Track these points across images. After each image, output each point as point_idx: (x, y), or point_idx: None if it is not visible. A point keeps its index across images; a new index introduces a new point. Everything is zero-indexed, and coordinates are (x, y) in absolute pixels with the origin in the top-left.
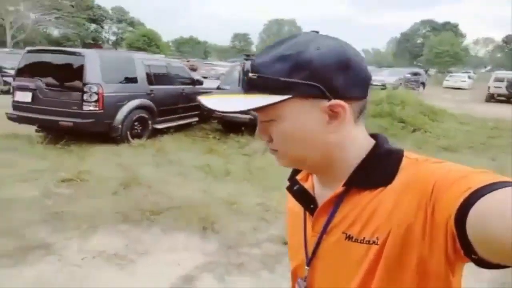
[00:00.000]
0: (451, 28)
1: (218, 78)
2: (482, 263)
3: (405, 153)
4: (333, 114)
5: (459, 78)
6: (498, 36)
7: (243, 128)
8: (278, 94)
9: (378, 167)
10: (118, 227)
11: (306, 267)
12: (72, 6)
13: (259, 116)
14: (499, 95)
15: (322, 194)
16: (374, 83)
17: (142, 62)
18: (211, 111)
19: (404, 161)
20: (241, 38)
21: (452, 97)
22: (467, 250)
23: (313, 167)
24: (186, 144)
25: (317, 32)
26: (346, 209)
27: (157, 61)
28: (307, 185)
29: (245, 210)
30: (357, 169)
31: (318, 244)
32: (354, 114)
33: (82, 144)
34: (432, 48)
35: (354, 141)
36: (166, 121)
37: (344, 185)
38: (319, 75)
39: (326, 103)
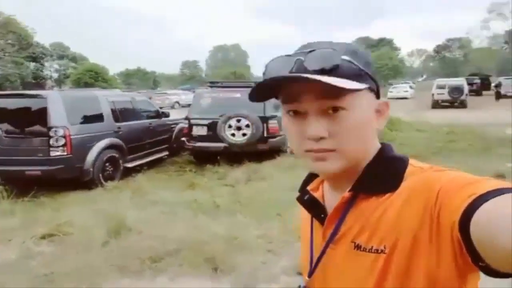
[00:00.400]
0: (387, 43)
1: (172, 107)
2: (491, 272)
3: (410, 161)
4: (378, 112)
5: (402, 88)
6: (430, 47)
7: (218, 157)
8: (359, 82)
9: (385, 173)
10: (120, 282)
11: (306, 277)
12: (12, 45)
13: (326, 104)
14: (443, 101)
15: (331, 201)
16: None
17: (107, 99)
18: (336, 89)
19: (409, 169)
20: (191, 65)
21: (400, 106)
22: (474, 257)
23: (358, 167)
24: (162, 181)
25: None
26: (353, 217)
27: (121, 97)
28: (317, 195)
29: (247, 245)
30: (364, 173)
31: (322, 253)
32: None
33: (53, 194)
34: None
35: (376, 144)
36: (137, 158)
37: (350, 190)
38: (375, 73)
39: (377, 101)
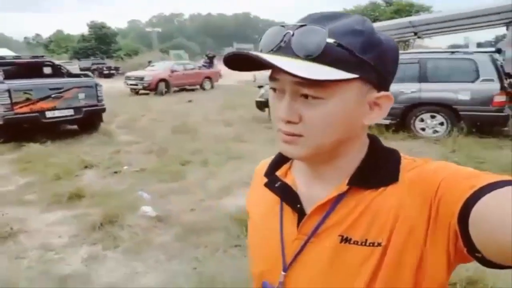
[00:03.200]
0: None
1: None
2: (486, 262)
3: (401, 154)
4: (373, 106)
5: None
6: None
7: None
8: (344, 70)
9: (381, 166)
10: None
11: (282, 272)
12: None
13: (303, 91)
14: None
15: (309, 192)
16: None
17: None
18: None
19: (403, 161)
20: None
21: None
22: (471, 249)
23: (326, 157)
24: None
25: None
26: (345, 210)
27: None
28: (288, 182)
29: None
30: (361, 167)
31: (303, 247)
32: None
33: None
34: None
35: (362, 137)
36: None
37: (349, 183)
38: (384, 61)
39: (376, 93)
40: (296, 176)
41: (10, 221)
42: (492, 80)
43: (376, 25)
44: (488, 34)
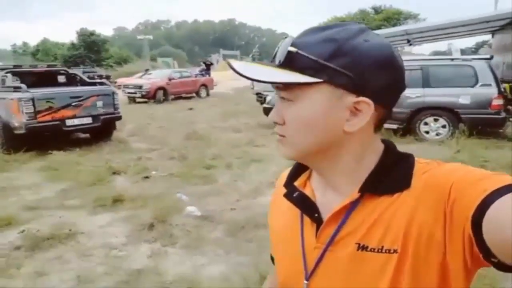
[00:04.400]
0: None
1: None
2: (503, 267)
3: (416, 158)
4: (355, 112)
5: None
6: None
7: None
8: (310, 75)
9: (394, 172)
10: None
11: (305, 281)
12: None
13: (280, 94)
14: None
15: (326, 201)
16: None
17: None
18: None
19: (416, 166)
20: None
21: None
22: (486, 254)
23: (318, 162)
24: None
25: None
26: (360, 217)
27: None
28: (307, 192)
29: None
30: (373, 174)
31: (322, 256)
32: (376, 121)
33: None
34: None
35: (370, 147)
36: None
37: (360, 190)
38: (358, 67)
39: (353, 98)
40: (314, 186)
41: (63, 224)
42: (490, 85)
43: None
44: (469, 41)
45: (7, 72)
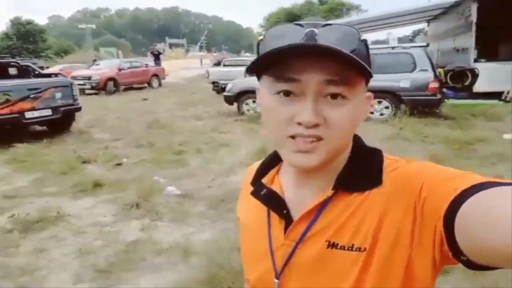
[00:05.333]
0: None
1: None
2: (471, 265)
3: (384, 154)
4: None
5: None
6: None
7: None
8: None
9: (365, 168)
10: None
11: (275, 280)
12: None
13: (329, 90)
14: None
15: (296, 197)
16: None
17: None
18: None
19: (385, 162)
20: None
21: None
22: (456, 252)
23: (328, 164)
24: None
25: None
26: (331, 215)
27: None
28: (275, 188)
29: None
30: (344, 170)
31: (292, 253)
32: None
33: None
34: None
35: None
36: None
37: (334, 188)
38: (370, 64)
39: (367, 93)
40: (283, 182)
41: (49, 208)
42: (427, 70)
43: None
44: (406, 30)
45: None
